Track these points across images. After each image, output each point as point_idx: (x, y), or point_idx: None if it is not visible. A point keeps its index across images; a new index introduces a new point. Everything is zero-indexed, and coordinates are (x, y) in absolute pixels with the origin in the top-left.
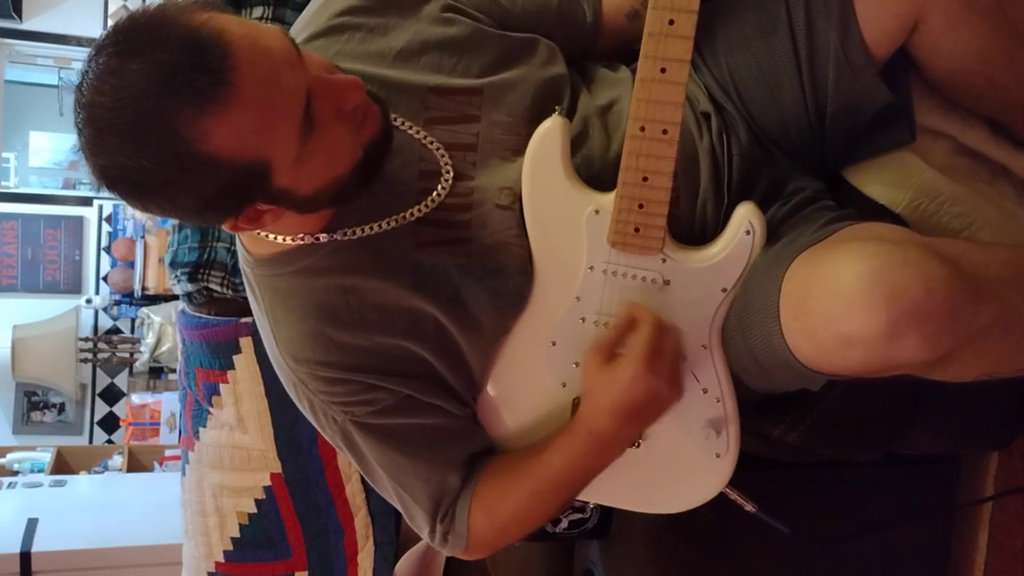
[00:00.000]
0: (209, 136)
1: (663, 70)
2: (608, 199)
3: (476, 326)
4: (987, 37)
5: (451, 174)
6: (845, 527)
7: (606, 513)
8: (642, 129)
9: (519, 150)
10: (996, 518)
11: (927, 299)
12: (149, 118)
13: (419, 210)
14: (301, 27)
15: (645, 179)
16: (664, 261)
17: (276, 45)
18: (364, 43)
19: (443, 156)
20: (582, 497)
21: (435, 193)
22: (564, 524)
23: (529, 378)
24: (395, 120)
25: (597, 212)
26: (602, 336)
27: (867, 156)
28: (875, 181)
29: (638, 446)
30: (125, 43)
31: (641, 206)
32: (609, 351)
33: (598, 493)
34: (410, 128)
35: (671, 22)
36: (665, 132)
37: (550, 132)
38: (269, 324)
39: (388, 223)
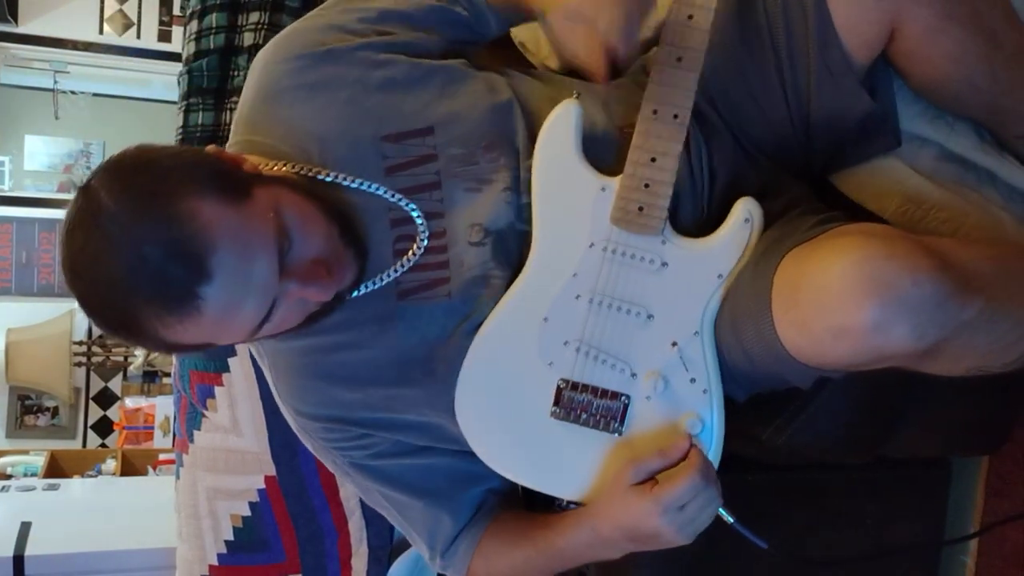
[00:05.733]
0: (168, 333)
1: (679, 59)
2: (615, 179)
3: (460, 360)
4: (965, 43)
5: (426, 233)
6: (837, 532)
7: None
8: (655, 112)
9: (481, 178)
10: (987, 522)
11: (914, 290)
12: (117, 306)
13: (398, 268)
14: (250, 96)
15: (653, 160)
16: (663, 243)
17: (260, 268)
18: (309, 101)
19: (413, 211)
20: (561, 494)
21: (411, 252)
22: None
23: (516, 352)
24: (355, 182)
25: (603, 190)
26: (647, 456)
27: (854, 163)
28: (863, 187)
29: (619, 435)
30: (121, 204)
31: (647, 185)
32: (647, 472)
33: (578, 488)
34: (370, 187)
35: (690, 16)
36: (676, 116)
37: (564, 113)
38: (272, 377)
39: (372, 283)
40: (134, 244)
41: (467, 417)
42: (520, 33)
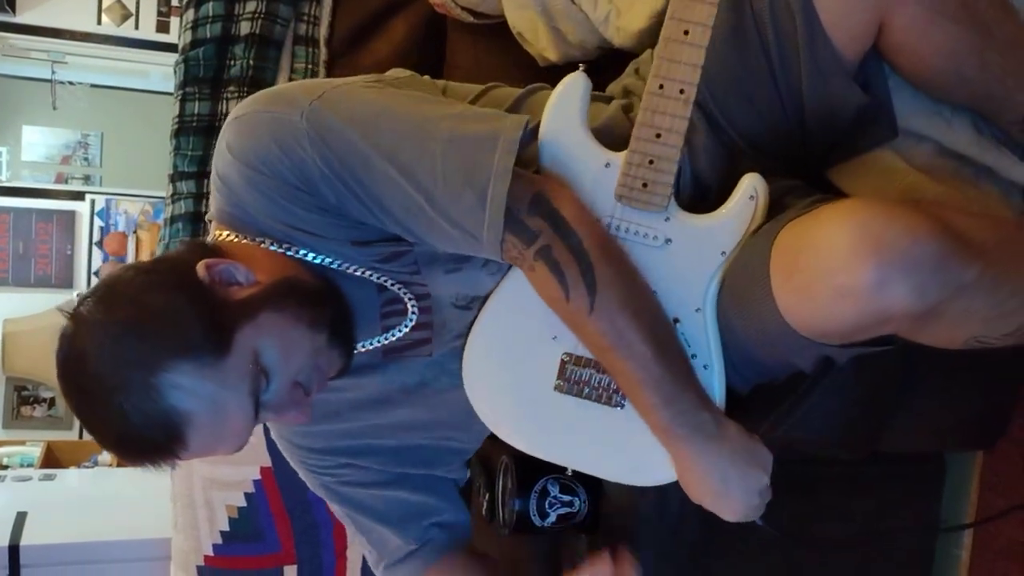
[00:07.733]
0: (156, 465)
1: (686, 32)
2: (620, 155)
3: (441, 401)
4: (955, 36)
5: (415, 311)
6: (831, 526)
7: (595, 507)
8: (660, 87)
9: (460, 256)
10: (981, 516)
11: (914, 248)
12: (107, 446)
13: (386, 337)
14: (220, 176)
15: (658, 135)
16: (667, 220)
17: (233, 423)
18: (271, 208)
19: (404, 293)
20: (568, 464)
21: (403, 325)
22: (552, 518)
23: (522, 325)
24: (343, 265)
25: (608, 165)
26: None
27: (851, 155)
28: (859, 183)
29: (621, 408)
30: (105, 365)
31: (652, 162)
32: None
33: (574, 457)
34: (356, 270)
35: None
36: (682, 92)
37: (573, 84)
38: None
39: (361, 348)
40: (116, 407)
41: (475, 389)
42: (518, 23)
